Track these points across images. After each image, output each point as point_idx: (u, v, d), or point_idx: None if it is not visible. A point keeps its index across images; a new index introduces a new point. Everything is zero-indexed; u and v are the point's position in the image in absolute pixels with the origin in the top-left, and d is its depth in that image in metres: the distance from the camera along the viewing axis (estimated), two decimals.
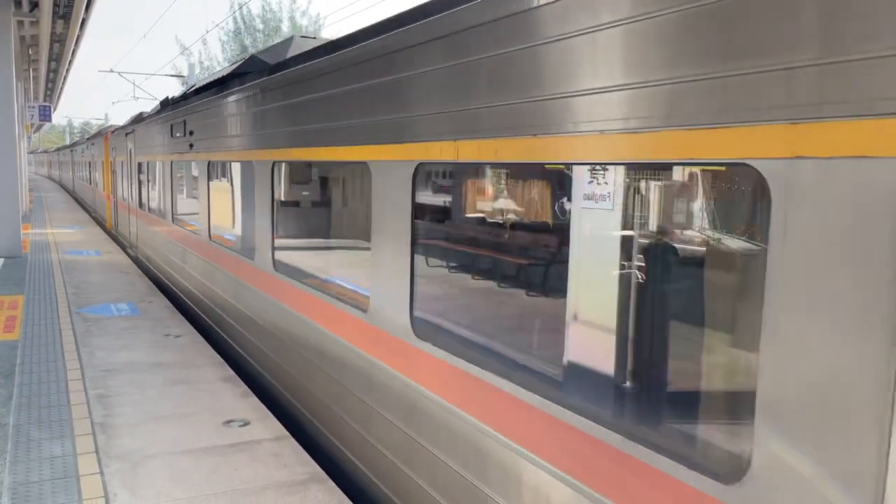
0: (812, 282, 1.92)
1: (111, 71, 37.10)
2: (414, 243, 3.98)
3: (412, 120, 3.88)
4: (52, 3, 16.80)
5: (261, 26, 47.05)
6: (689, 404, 2.81)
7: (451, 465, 3.63)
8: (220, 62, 47.19)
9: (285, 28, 46.93)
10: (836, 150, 1.85)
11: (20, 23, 19.27)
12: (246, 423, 5.62)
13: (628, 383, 3.06)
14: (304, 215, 6.95)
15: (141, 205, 15.00)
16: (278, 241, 6.54)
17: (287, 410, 6.30)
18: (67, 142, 77.14)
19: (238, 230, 8.21)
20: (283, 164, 6.60)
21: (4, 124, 14.80)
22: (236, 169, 8.30)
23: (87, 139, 33.33)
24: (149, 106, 48.04)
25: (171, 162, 11.29)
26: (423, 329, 3.97)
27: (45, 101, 39.98)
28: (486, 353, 3.71)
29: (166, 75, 41.00)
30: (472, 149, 3.36)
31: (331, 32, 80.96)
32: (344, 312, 4.95)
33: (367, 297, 4.59)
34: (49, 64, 27.83)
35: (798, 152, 1.94)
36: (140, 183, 15.01)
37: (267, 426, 5.58)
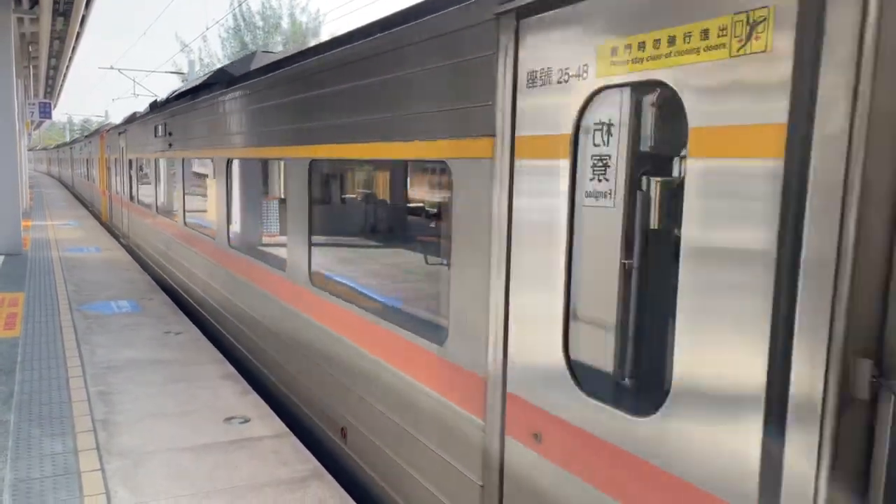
0: (465, 230, 3.52)
1: (111, 68, 37.08)
2: (310, 219, 5.54)
3: (307, 129, 5.54)
4: (51, 1, 16.78)
5: (261, 23, 46.98)
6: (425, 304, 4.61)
7: (322, 363, 5.43)
8: (220, 59, 47.15)
9: (285, 25, 46.87)
10: (456, 154, 3.57)
11: (20, 20, 19.24)
12: (246, 421, 5.65)
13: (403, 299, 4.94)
14: (257, 203, 8.46)
15: (132, 198, 15.87)
16: (234, 225, 8.17)
17: (227, 347, 8.10)
18: (67, 139, 77.07)
19: (204, 216, 9.62)
20: (238, 160, 8.01)
21: (5, 122, 14.80)
22: (204, 165, 9.59)
23: (85, 137, 33.53)
24: (149, 102, 47.86)
25: (156, 159, 12.47)
26: (317, 278, 5.60)
27: (45, 98, 39.90)
28: (349, 291, 5.40)
29: (166, 72, 40.94)
30: (340, 150, 4.97)
31: (331, 29, 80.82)
32: (274, 274, 6.42)
33: (285, 260, 6.13)
34: (49, 61, 27.79)
35: (454, 155, 3.58)
36: (131, 178, 15.92)
37: (267, 423, 5.60)
